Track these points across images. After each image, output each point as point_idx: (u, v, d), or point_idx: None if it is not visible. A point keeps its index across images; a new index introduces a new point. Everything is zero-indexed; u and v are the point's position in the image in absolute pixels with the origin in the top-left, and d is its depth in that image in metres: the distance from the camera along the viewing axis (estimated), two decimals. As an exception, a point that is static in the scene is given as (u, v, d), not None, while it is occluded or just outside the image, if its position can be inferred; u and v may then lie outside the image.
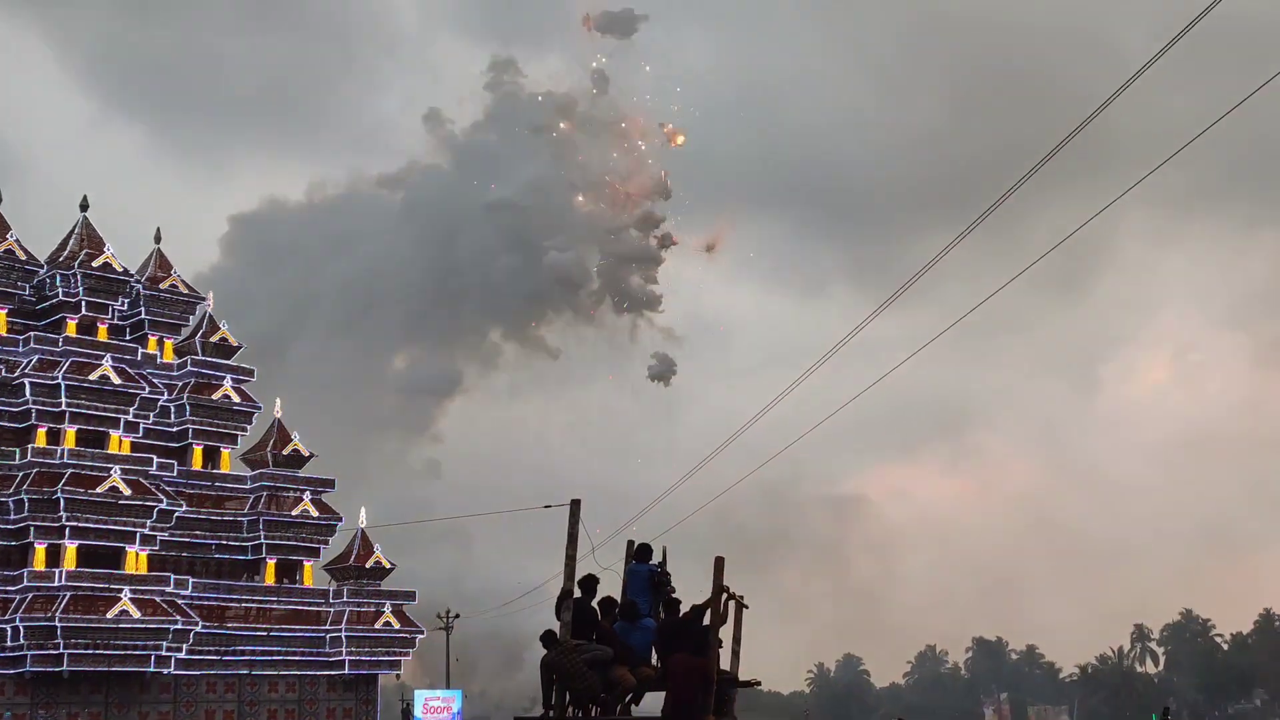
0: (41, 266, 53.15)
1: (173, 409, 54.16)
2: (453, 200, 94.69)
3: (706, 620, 12.42)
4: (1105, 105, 16.67)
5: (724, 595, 12.54)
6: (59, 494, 47.43)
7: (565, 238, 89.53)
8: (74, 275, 51.97)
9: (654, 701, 12.23)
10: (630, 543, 13.69)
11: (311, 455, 56.90)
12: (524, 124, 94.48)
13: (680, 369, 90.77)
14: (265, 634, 52.50)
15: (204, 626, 50.03)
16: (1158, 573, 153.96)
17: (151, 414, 52.52)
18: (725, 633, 12.59)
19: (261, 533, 53.75)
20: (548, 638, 12.42)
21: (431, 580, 62.92)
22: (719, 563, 12.71)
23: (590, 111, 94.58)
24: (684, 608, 12.97)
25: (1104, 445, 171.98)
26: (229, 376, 55.71)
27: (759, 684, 13.61)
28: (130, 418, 51.27)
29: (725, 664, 12.66)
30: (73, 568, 47.44)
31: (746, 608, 12.99)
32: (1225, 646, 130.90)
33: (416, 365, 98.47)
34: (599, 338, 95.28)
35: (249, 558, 54.29)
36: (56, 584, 46.69)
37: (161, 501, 49.95)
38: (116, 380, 50.82)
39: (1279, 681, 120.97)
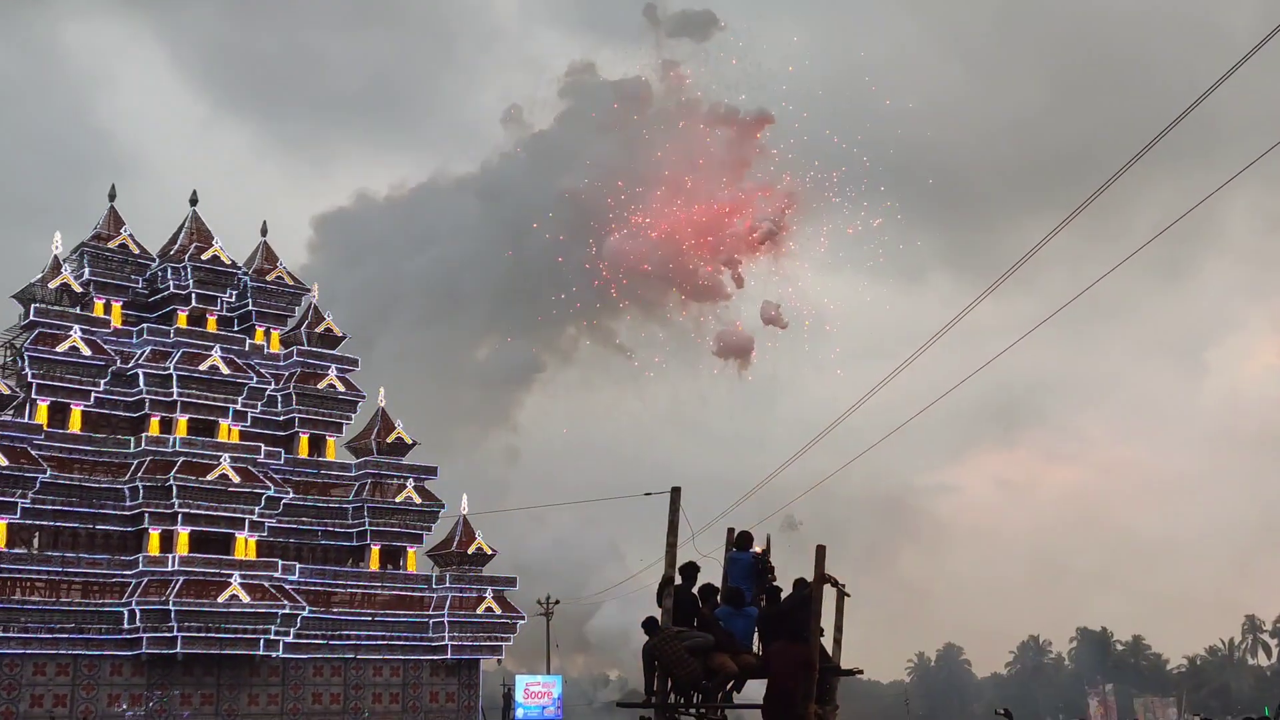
0: (153, 260, 54.58)
1: (279, 398, 55.33)
2: (527, 193, 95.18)
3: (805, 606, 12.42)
4: (1214, 88, 16.29)
5: (825, 583, 12.53)
6: (172, 481, 48.74)
7: (645, 227, 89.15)
8: (184, 268, 53.31)
9: (756, 689, 12.25)
10: (730, 530, 13.70)
11: (414, 443, 57.73)
12: (599, 119, 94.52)
13: (778, 358, 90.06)
14: (370, 619, 53.43)
15: (310, 611, 51.07)
16: (1271, 563, 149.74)
17: (259, 403, 53.74)
18: (827, 621, 12.57)
19: (366, 519, 54.69)
20: (649, 624, 12.45)
21: (525, 565, 63.48)
22: (820, 551, 12.69)
23: (674, 103, 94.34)
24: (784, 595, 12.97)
25: (1210, 431, 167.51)
26: (334, 366, 56.76)
27: (860, 672, 13.56)
28: (239, 407, 52.52)
29: (828, 652, 12.64)
30: (185, 553, 48.73)
31: (848, 595, 12.96)
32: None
33: (497, 355, 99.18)
34: (690, 328, 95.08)
35: (354, 544, 55.27)
36: (170, 569, 47.97)
37: (269, 488, 51.06)
38: (225, 370, 52.07)
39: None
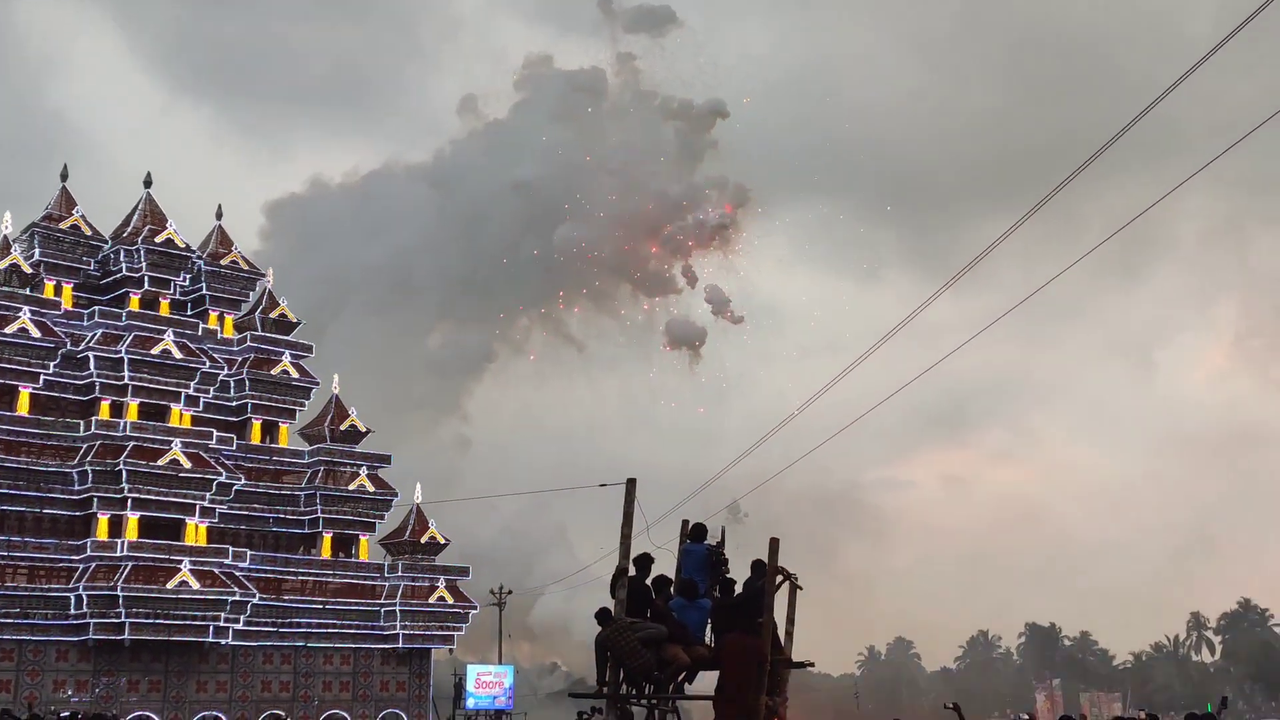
0: (106, 242, 53.97)
1: (232, 384, 54.90)
2: (481, 183, 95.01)
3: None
4: (1168, 92, 16.42)
5: (779, 576, 12.58)
6: (121, 465, 48.25)
7: (599, 220, 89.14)
8: (137, 251, 52.74)
9: (707, 680, 12.28)
10: (685, 522, 13.72)
11: (368, 431, 57.47)
12: (554, 110, 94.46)
13: (730, 352, 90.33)
14: (321, 607, 53.17)
15: (261, 598, 50.75)
16: (1210, 563, 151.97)
17: (212, 388, 53.30)
18: (779, 613, 12.62)
19: (318, 507, 54.41)
20: (602, 615, 12.47)
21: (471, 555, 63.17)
22: (773, 544, 12.74)
23: (627, 96, 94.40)
24: (738, 588, 13.02)
25: (1156, 433, 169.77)
26: (288, 352, 56.40)
27: (811, 665, 13.62)
28: (191, 392, 52.06)
29: (780, 644, 12.70)
30: (134, 538, 48.27)
31: (800, 589, 13.00)
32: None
33: (448, 344, 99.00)
34: (641, 320, 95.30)
35: (306, 531, 54.98)
36: (119, 554, 47.51)
37: (221, 475, 50.67)
38: (178, 355, 51.59)
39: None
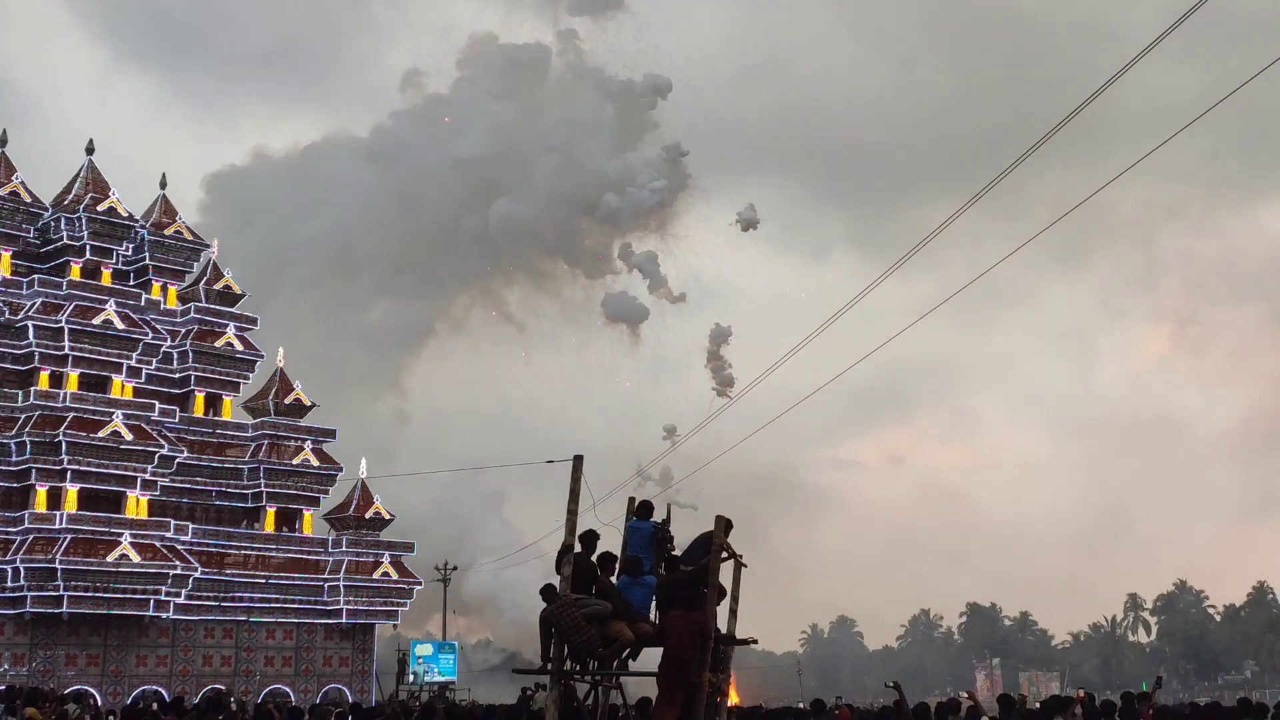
0: (46, 210, 53.03)
1: (175, 355, 54.24)
2: (421, 159, 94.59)
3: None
4: (1110, 83, 16.64)
5: (724, 554, 12.60)
6: (61, 437, 47.57)
7: (542, 194, 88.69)
8: (79, 219, 51.89)
9: (652, 657, 12.31)
10: (631, 499, 13.71)
11: (313, 405, 57.06)
12: (495, 86, 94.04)
13: (680, 332, 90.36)
14: (264, 581, 52.82)
15: (203, 572, 50.30)
16: (1146, 544, 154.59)
17: (154, 360, 52.62)
18: (723, 591, 12.65)
19: (262, 480, 53.99)
20: (547, 591, 12.48)
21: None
22: (719, 521, 12.76)
23: (570, 74, 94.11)
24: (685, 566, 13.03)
25: (1098, 415, 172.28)
26: (232, 324, 55.81)
27: (755, 642, 13.68)
28: (133, 363, 51.37)
29: (722, 622, 12.74)
30: (74, 511, 47.66)
31: (745, 566, 13.03)
32: (1217, 618, 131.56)
33: (387, 320, 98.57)
34: (580, 299, 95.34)
35: (249, 505, 54.55)
36: (57, 526, 46.89)
37: (163, 447, 50.11)
38: (120, 325, 50.86)
39: (1269, 653, 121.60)
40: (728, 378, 72.55)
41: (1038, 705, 16.92)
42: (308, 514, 56.09)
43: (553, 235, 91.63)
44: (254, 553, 53.15)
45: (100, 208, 52.30)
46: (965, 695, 18.55)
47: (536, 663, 12.67)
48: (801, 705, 18.11)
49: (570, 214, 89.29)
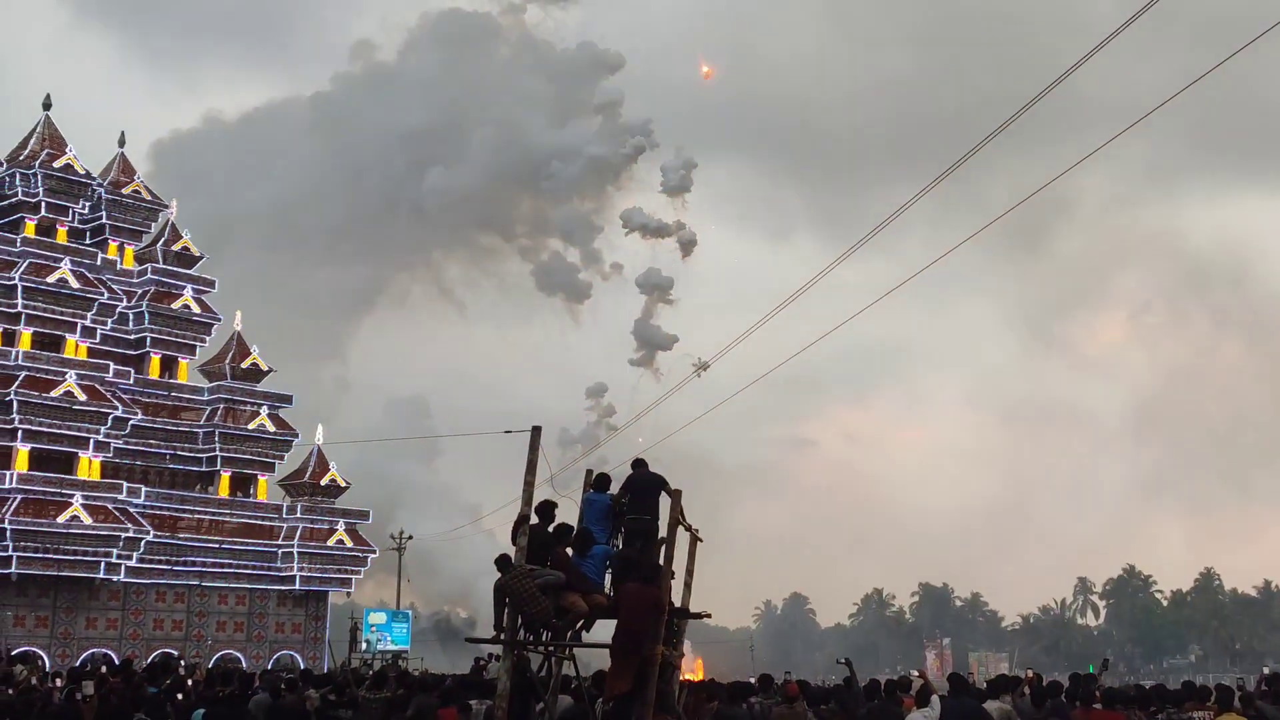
0: (1, 165, 52.17)
1: (131, 316, 53.60)
2: (365, 126, 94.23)
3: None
4: (1071, 71, 16.69)
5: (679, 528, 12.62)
6: (12, 396, 46.95)
7: (481, 169, 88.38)
8: (34, 175, 51.10)
9: (605, 628, 12.31)
10: (589, 472, 13.71)
11: (270, 370, 56.58)
12: (442, 56, 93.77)
13: (620, 307, 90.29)
14: (217, 546, 52.42)
15: (155, 536, 49.87)
16: (1102, 528, 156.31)
17: (110, 320, 51.98)
18: (678, 565, 12.67)
19: (217, 445, 53.51)
20: (502, 562, 12.45)
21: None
22: (676, 496, 12.78)
23: (520, 47, 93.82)
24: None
25: (1053, 400, 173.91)
26: (189, 286, 55.15)
27: (708, 616, 13.72)
28: (88, 323, 50.74)
29: (676, 596, 12.75)
30: (24, 470, 47.10)
31: (701, 540, 13.05)
32: (1165, 603, 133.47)
33: (329, 287, 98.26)
34: (523, 271, 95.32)
35: (203, 469, 54.09)
36: (7, 486, 46.32)
37: (117, 409, 49.57)
38: (75, 284, 50.19)
39: (1214, 638, 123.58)
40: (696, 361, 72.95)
41: (985, 685, 17.04)
42: (263, 479, 55.66)
43: (494, 208, 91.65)
44: (207, 517, 52.73)
45: (57, 164, 51.53)
46: (916, 673, 18.71)
47: (465, 630, 12.68)
48: (752, 680, 18.18)
49: (514, 187, 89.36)
